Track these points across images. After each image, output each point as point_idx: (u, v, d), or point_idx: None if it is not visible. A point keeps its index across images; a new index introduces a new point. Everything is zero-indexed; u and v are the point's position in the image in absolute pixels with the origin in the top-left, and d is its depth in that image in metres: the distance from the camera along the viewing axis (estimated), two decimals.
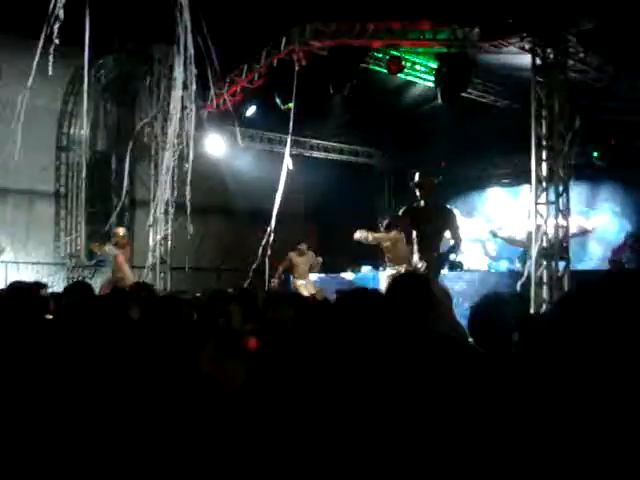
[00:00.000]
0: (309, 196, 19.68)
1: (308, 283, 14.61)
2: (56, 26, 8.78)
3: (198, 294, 11.98)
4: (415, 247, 9.55)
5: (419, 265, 9.33)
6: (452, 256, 9.62)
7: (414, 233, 9.52)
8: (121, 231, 14.25)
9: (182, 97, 12.39)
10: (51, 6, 8.81)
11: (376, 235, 11.80)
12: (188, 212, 12.50)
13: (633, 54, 12.24)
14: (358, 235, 11.63)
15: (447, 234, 9.56)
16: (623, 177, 15.81)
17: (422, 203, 9.56)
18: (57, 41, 8.82)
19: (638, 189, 15.70)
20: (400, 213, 9.86)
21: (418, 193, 9.55)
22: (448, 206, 10.28)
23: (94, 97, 16.29)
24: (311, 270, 14.86)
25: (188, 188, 12.62)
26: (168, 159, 13.53)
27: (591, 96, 13.33)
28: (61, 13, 8.75)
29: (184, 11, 10.62)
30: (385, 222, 12.79)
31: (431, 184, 9.67)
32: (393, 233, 11.90)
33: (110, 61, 15.98)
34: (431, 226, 9.33)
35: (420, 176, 9.69)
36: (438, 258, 9.32)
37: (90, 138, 16.47)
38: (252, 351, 4.56)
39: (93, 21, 10.06)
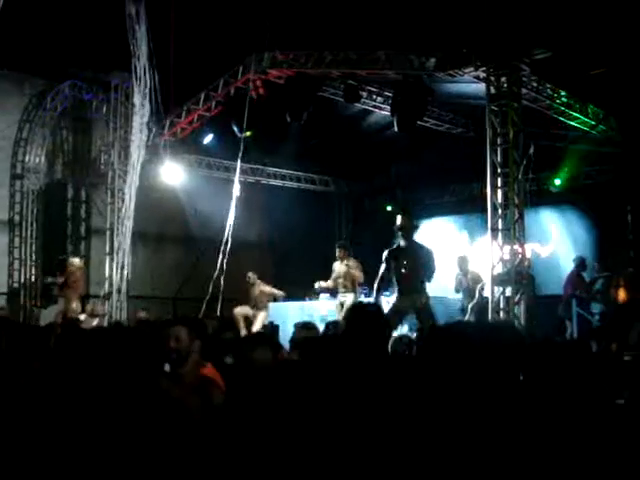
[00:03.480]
0: (265, 224, 19.67)
1: (259, 314, 14.62)
2: None
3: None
4: (395, 281, 10.29)
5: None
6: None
7: (395, 269, 10.23)
8: (76, 262, 14.20)
9: (140, 125, 12.34)
10: None
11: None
12: (128, 239, 12.41)
13: (584, 83, 12.53)
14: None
15: None
16: (573, 204, 16.09)
17: (402, 243, 10.26)
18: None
19: (588, 215, 15.98)
20: (386, 254, 10.37)
21: (400, 234, 10.28)
22: (426, 245, 10.70)
23: (50, 124, 16.15)
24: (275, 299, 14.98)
25: (130, 218, 12.58)
26: (126, 187, 13.48)
27: (544, 124, 13.58)
28: None
29: (140, 40, 10.63)
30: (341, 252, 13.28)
31: (411, 226, 10.44)
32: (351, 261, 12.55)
33: (66, 88, 15.85)
34: (413, 261, 10.09)
35: (402, 219, 10.35)
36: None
37: (46, 166, 16.31)
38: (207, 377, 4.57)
39: (49, 48, 9.97)
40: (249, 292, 14.67)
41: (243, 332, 13.05)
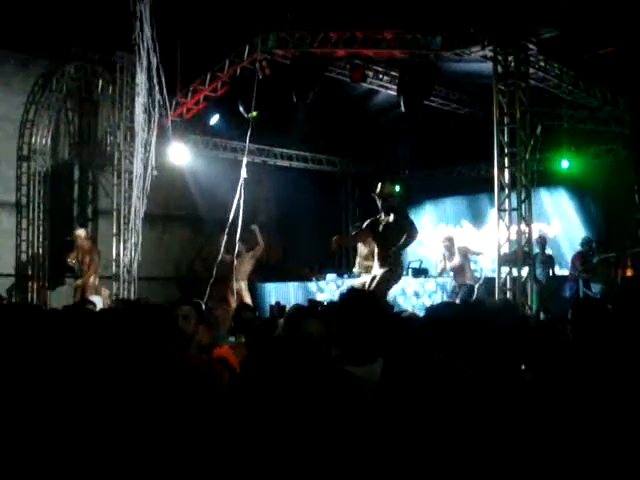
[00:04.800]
0: (273, 204, 19.68)
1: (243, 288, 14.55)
2: None
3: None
4: (376, 257, 10.01)
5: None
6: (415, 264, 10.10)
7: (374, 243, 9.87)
8: (82, 233, 14.39)
9: (145, 105, 12.30)
10: None
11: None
12: (140, 220, 12.42)
13: (592, 63, 12.46)
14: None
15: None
16: (580, 184, 16.03)
17: (382, 214, 10.05)
18: None
19: (596, 195, 15.93)
20: (363, 226, 10.06)
21: (379, 203, 9.97)
22: (408, 217, 10.42)
23: (56, 106, 16.14)
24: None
25: (143, 198, 12.58)
26: (133, 168, 13.47)
27: (552, 104, 13.52)
28: None
29: (144, 20, 10.57)
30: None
31: (391, 193, 10.16)
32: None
33: (72, 69, 15.82)
34: (392, 234, 9.83)
35: (381, 186, 9.97)
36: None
37: (52, 147, 16.31)
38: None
39: (55, 29, 9.92)
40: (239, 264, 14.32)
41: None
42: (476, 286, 13.25)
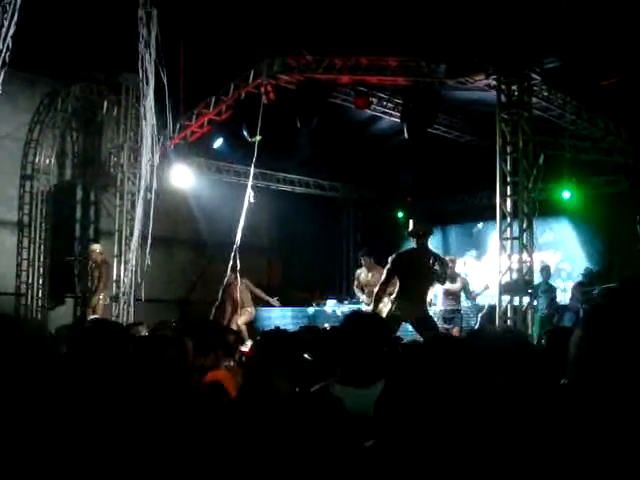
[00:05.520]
0: (274, 229, 19.70)
1: (244, 314, 14.51)
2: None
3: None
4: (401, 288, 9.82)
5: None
6: None
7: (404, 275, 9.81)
8: (97, 248, 14.46)
9: (150, 127, 12.34)
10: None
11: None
12: (148, 243, 12.40)
13: (595, 93, 12.50)
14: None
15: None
16: (582, 214, 16.03)
17: (415, 248, 9.99)
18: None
19: (598, 226, 15.93)
20: (395, 258, 9.94)
21: (414, 239, 10.02)
22: (441, 257, 10.46)
23: (60, 126, 16.20)
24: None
25: (149, 220, 12.57)
26: (136, 190, 13.49)
27: (554, 133, 13.56)
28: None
29: (150, 43, 10.64)
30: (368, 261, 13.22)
31: (425, 231, 10.12)
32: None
33: (77, 90, 15.89)
34: (425, 268, 9.80)
35: (415, 224, 10.24)
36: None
37: (56, 167, 16.36)
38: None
39: (61, 49, 9.97)
40: (240, 292, 14.28)
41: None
42: (479, 315, 13.25)
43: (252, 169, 12.79)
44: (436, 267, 9.79)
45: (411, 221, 10.43)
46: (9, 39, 8.93)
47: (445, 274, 10.06)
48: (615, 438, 1.81)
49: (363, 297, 13.90)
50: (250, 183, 12.77)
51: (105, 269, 14.67)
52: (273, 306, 15.02)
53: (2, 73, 9.04)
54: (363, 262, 14.16)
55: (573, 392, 1.79)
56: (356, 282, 14.39)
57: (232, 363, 6.08)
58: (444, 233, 18.95)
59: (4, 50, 8.95)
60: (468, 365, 2.26)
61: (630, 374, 1.85)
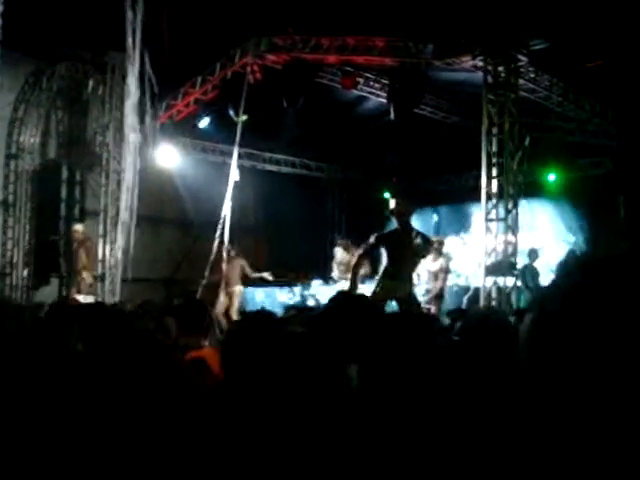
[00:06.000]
0: (260, 209, 19.69)
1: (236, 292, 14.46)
2: None
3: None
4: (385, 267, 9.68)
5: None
6: None
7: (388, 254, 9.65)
8: (79, 228, 14.44)
9: (136, 106, 12.29)
10: None
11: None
12: (133, 222, 12.39)
13: (581, 75, 12.53)
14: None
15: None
16: (567, 196, 16.10)
17: (398, 227, 9.64)
18: None
19: (582, 208, 16.00)
20: (375, 239, 9.76)
21: (395, 218, 9.70)
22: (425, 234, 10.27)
23: (45, 105, 16.08)
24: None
25: (135, 198, 12.55)
26: (121, 169, 13.45)
27: (541, 115, 13.59)
28: None
29: (136, 22, 10.57)
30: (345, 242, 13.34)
31: (407, 211, 9.82)
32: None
33: (63, 68, 15.76)
34: (408, 247, 9.51)
35: (398, 203, 10.16)
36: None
37: (41, 146, 16.26)
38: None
39: (46, 28, 9.88)
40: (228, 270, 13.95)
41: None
42: (465, 296, 13.33)
43: (236, 148, 12.77)
44: (418, 240, 9.64)
45: (393, 200, 10.35)
46: None
47: (426, 250, 9.94)
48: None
49: (335, 272, 14.26)
50: (235, 162, 12.75)
51: (88, 248, 14.63)
52: (268, 281, 14.96)
53: None
54: (339, 242, 14.45)
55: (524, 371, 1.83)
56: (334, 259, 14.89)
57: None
58: (431, 214, 18.97)
59: None
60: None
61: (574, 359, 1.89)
